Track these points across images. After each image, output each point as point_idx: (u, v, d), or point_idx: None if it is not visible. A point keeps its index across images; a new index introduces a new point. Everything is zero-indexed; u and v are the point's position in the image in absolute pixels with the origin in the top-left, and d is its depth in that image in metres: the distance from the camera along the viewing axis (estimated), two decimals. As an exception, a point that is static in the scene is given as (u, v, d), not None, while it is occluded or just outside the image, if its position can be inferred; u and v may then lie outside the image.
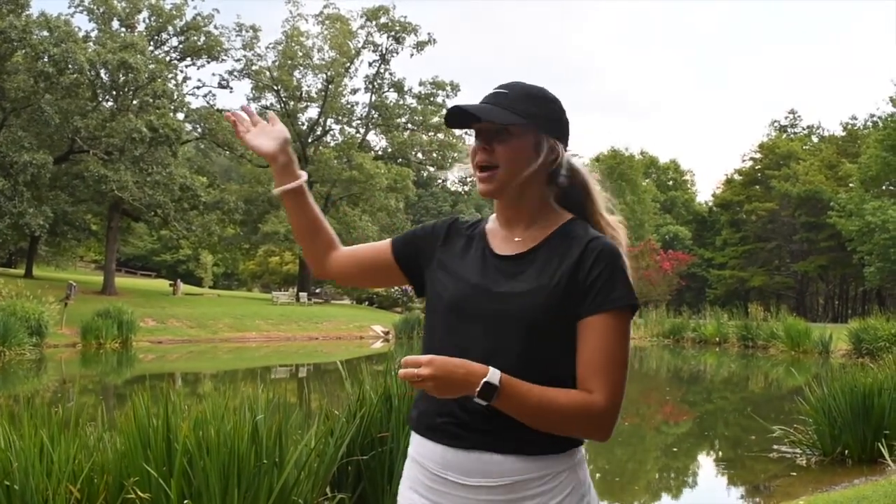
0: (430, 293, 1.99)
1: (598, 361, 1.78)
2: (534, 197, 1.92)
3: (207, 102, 49.34)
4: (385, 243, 2.12)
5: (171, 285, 46.66)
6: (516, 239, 1.93)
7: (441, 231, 2.05)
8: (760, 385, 20.52)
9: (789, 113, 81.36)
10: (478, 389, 1.70)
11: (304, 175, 2.11)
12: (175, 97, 42.85)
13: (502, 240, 1.95)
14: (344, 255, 2.16)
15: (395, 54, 53.04)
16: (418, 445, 1.91)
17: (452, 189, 78.70)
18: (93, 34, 41.40)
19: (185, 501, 4.50)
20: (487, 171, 1.88)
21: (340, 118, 53.95)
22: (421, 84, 53.84)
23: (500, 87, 1.91)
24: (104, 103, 40.22)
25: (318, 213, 2.14)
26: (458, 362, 1.71)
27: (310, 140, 52.43)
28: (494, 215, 2.03)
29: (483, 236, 1.98)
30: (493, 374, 1.71)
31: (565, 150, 1.94)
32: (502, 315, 1.83)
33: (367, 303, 53.00)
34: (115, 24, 42.83)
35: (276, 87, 51.20)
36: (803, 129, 72.49)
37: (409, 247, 2.07)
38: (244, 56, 49.96)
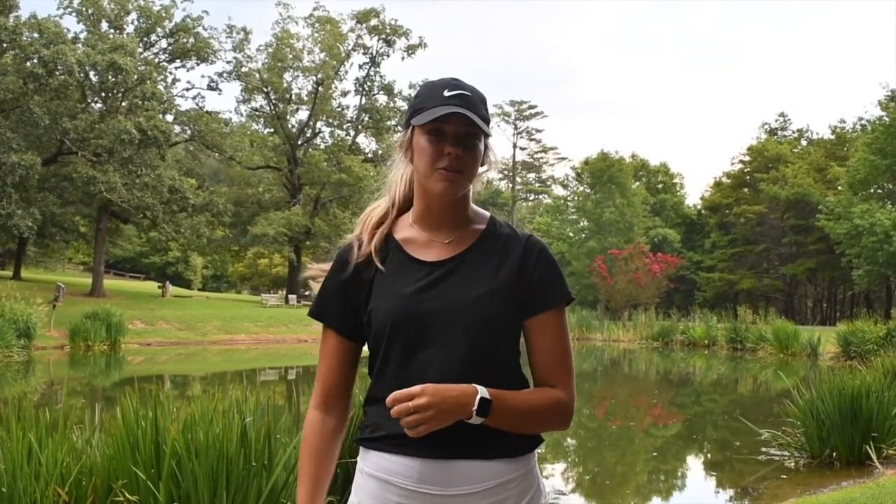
0: (370, 321, 1.85)
1: (556, 356, 1.83)
2: (468, 198, 1.89)
3: (197, 104, 49.25)
4: (331, 338, 1.91)
5: (160, 287, 46.56)
6: (446, 242, 1.86)
7: (344, 260, 1.89)
8: (749, 388, 20.57)
9: (779, 116, 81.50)
10: (475, 408, 1.67)
11: None
12: (164, 99, 42.75)
13: (426, 245, 1.86)
14: (343, 400, 1.95)
15: (385, 57, 53.07)
16: (384, 462, 1.79)
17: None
18: (82, 36, 41.27)
19: (174, 504, 4.50)
20: (456, 173, 1.79)
21: (330, 121, 53.91)
22: (411, 87, 53.68)
23: (457, 84, 1.82)
24: (93, 105, 40.17)
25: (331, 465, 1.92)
26: (448, 385, 1.68)
27: (300, 142, 52.39)
28: (397, 223, 1.92)
29: (398, 248, 1.88)
30: (482, 390, 1.69)
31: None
32: (451, 322, 1.77)
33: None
34: (104, 25, 42.70)
35: (265, 89, 51.15)
36: (793, 133, 72.66)
37: (343, 308, 1.89)
38: (234, 58, 49.92)
